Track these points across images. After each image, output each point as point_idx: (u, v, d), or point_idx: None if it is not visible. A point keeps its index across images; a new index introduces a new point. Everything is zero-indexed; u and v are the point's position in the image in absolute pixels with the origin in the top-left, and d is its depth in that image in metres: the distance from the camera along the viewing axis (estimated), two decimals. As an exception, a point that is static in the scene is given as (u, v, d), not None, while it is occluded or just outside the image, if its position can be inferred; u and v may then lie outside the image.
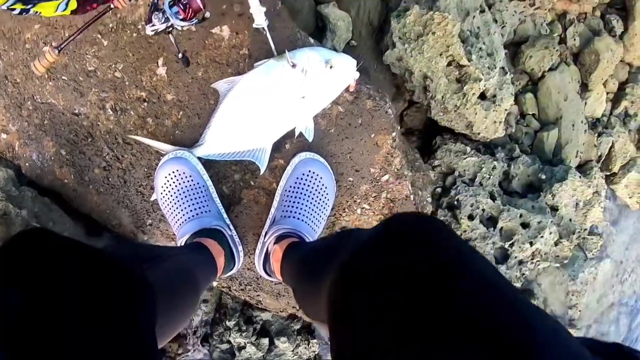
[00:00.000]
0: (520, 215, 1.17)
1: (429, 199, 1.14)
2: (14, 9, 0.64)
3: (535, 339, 0.29)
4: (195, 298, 0.69)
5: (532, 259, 1.21)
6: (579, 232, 1.30)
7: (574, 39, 1.28)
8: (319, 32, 1.09)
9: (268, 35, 0.77)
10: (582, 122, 1.29)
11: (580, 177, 1.23)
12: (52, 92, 0.89)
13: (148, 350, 0.44)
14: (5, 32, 0.88)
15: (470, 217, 1.17)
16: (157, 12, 0.66)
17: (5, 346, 0.34)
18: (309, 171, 0.84)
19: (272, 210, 0.87)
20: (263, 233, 0.87)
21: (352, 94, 0.90)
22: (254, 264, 0.91)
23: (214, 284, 0.97)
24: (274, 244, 0.80)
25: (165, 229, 0.91)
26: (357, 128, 0.91)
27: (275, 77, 0.81)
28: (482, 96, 1.14)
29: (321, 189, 0.85)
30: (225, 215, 0.87)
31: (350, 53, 0.87)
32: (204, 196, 0.83)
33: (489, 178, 1.20)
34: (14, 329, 0.35)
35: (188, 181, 0.82)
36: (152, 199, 0.89)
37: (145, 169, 0.89)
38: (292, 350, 1.09)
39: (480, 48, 1.11)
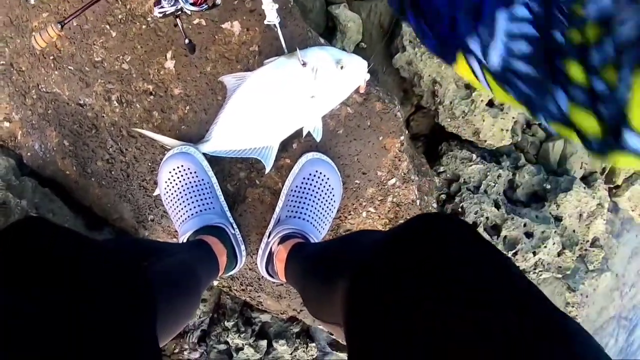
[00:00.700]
0: (524, 225, 1.16)
1: (435, 205, 1.13)
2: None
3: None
4: (197, 297, 0.67)
5: (534, 269, 1.20)
6: (581, 243, 1.29)
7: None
8: (329, 32, 1.08)
9: (279, 33, 0.76)
10: (588, 133, 1.29)
11: (584, 188, 1.22)
12: (57, 82, 0.87)
13: (149, 350, 0.43)
14: (12, 19, 0.87)
15: (474, 225, 1.16)
16: (166, -6, 0.65)
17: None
18: (316, 171, 0.83)
19: (277, 210, 0.85)
20: (267, 233, 0.85)
21: (362, 96, 0.89)
22: (256, 264, 0.90)
23: (214, 283, 0.96)
24: (278, 244, 0.78)
25: (167, 225, 0.90)
26: (365, 130, 0.90)
27: (285, 75, 0.80)
28: (490, 103, 1.14)
29: (328, 190, 0.83)
30: (229, 214, 0.86)
31: (359, 55, 0.86)
32: (208, 193, 0.82)
33: (494, 186, 1.20)
34: (9, 322, 0.34)
35: (193, 177, 0.81)
36: (154, 194, 0.87)
37: (149, 164, 0.87)
38: (290, 354, 1.07)
39: (490, 55, 1.11)
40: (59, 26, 0.65)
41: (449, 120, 1.13)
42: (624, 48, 0.28)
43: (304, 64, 0.78)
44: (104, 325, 0.38)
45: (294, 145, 0.88)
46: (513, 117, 1.16)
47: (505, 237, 1.17)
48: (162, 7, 0.65)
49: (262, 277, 0.90)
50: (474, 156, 1.19)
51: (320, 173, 0.83)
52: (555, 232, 1.18)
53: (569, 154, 1.26)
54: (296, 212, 0.81)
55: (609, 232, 1.41)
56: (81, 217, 0.90)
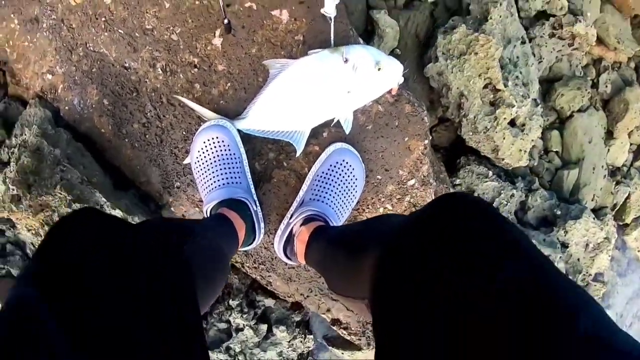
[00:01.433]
0: (532, 246, 1.18)
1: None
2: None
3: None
4: (225, 276, 0.70)
5: (536, 291, 1.22)
6: (584, 274, 1.31)
7: (606, 86, 1.32)
8: (367, 35, 1.12)
9: (332, 26, 0.80)
10: (602, 167, 1.32)
11: (594, 218, 1.25)
12: (105, 43, 0.91)
13: (194, 327, 0.45)
14: (73, -22, 0.91)
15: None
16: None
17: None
18: (343, 160, 0.86)
19: (301, 193, 0.88)
20: (288, 215, 0.87)
21: (394, 97, 0.93)
22: (271, 243, 0.92)
23: (227, 258, 0.97)
24: (301, 225, 0.80)
25: (191, 194, 0.92)
26: (393, 129, 0.93)
27: (327, 68, 0.84)
28: (512, 123, 1.17)
29: (352, 180, 0.86)
30: (253, 191, 0.88)
31: (393, 60, 0.90)
32: (237, 167, 0.84)
33: (506, 205, 1.22)
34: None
35: (225, 150, 0.83)
36: (184, 162, 0.90)
37: (184, 132, 0.90)
38: (288, 341, 1.08)
39: (517, 76, 1.15)
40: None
41: (470, 133, 1.16)
42: None
43: (346, 60, 0.82)
44: (153, 305, 0.42)
45: (324, 134, 0.90)
46: (532, 140, 1.19)
47: (512, 255, 1.19)
48: None
49: (276, 257, 0.92)
50: (490, 173, 1.21)
51: (347, 163, 0.86)
52: (560, 257, 1.20)
53: (582, 184, 1.29)
54: (320, 195, 0.83)
55: (614, 269, 1.42)
56: (109, 176, 0.92)
